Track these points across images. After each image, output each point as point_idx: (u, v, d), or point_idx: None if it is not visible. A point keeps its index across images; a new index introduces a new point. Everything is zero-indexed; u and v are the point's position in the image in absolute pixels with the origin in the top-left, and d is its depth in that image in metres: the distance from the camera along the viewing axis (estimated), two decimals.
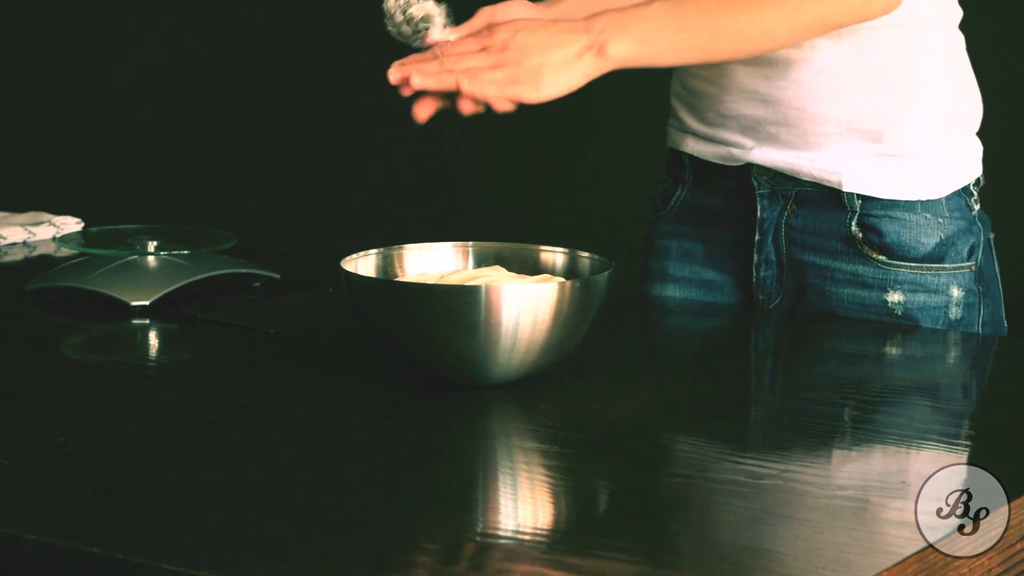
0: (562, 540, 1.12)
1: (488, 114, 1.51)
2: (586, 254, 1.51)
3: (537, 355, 1.40)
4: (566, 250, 1.52)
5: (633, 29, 1.52)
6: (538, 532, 1.13)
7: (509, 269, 1.52)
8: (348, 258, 1.48)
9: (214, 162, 3.84)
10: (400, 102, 1.52)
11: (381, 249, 1.52)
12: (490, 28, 1.53)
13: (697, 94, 1.75)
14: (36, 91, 4.04)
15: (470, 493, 1.21)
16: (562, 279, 1.45)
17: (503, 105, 1.50)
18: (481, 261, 1.54)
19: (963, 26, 1.75)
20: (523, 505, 1.19)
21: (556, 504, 1.20)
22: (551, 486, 1.23)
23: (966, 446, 1.34)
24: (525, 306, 1.37)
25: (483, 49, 1.50)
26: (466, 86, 1.49)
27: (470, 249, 1.55)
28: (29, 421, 1.35)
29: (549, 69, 1.50)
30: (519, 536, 1.12)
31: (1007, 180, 2.50)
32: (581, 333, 1.43)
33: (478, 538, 1.11)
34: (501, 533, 1.13)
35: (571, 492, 1.22)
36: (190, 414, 1.37)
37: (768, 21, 1.55)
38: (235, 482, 1.20)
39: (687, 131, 1.78)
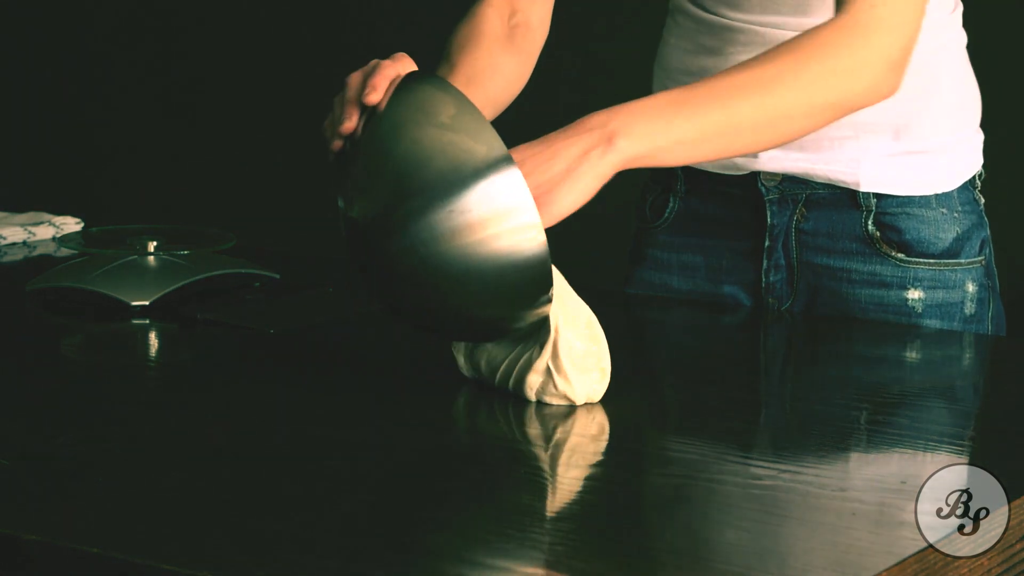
0: (562, 540, 1.12)
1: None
2: None
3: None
4: None
5: (641, 118, 1.37)
6: (538, 532, 1.13)
7: None
8: None
9: (214, 162, 3.84)
10: None
11: None
12: None
13: None
14: (36, 91, 4.04)
15: (470, 493, 1.21)
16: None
17: None
18: None
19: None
20: (523, 505, 1.19)
21: (556, 504, 1.20)
22: (551, 486, 1.23)
23: (966, 446, 1.34)
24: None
25: None
26: None
27: None
28: (29, 421, 1.35)
29: (556, 186, 1.35)
30: (519, 536, 1.12)
31: (1008, 175, 2.50)
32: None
33: (478, 538, 1.11)
34: (501, 533, 1.13)
35: (571, 492, 1.22)
36: (190, 414, 1.37)
37: (786, 104, 1.42)
38: (235, 482, 1.20)
39: None
